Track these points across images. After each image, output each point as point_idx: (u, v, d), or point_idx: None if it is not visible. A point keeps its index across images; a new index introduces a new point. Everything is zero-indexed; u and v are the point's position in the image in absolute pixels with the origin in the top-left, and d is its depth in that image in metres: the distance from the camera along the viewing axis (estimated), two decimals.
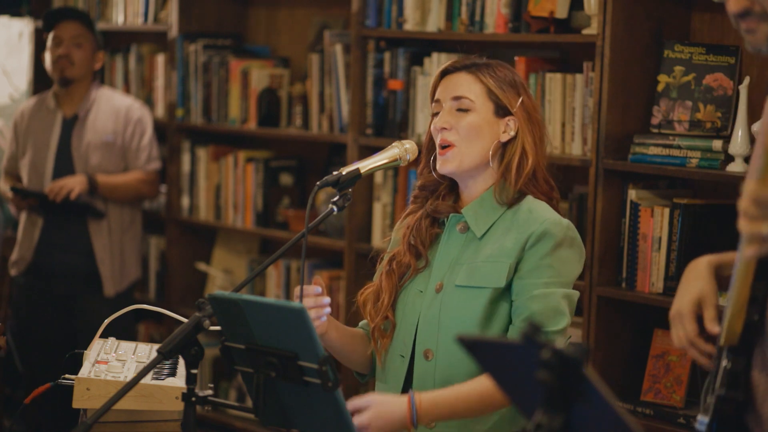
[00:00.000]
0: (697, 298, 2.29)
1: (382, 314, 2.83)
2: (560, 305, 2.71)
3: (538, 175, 2.81)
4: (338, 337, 2.85)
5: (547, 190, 2.83)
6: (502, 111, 2.80)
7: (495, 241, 2.77)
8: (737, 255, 2.22)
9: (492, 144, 2.79)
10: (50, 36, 5.07)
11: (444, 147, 2.79)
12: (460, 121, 2.78)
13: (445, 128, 2.79)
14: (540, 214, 2.76)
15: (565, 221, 2.77)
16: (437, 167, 2.82)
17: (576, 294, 2.76)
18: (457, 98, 2.79)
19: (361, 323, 2.97)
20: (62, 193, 4.91)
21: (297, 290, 2.73)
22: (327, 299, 2.75)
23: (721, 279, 2.33)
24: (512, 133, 2.80)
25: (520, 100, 2.80)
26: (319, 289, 2.72)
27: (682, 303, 2.31)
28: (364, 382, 3.01)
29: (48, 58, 5.09)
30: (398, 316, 2.83)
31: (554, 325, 2.69)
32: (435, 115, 2.84)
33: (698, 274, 2.32)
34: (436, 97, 2.84)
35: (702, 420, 2.25)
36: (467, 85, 2.80)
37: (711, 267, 2.32)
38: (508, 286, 2.74)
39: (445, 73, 2.85)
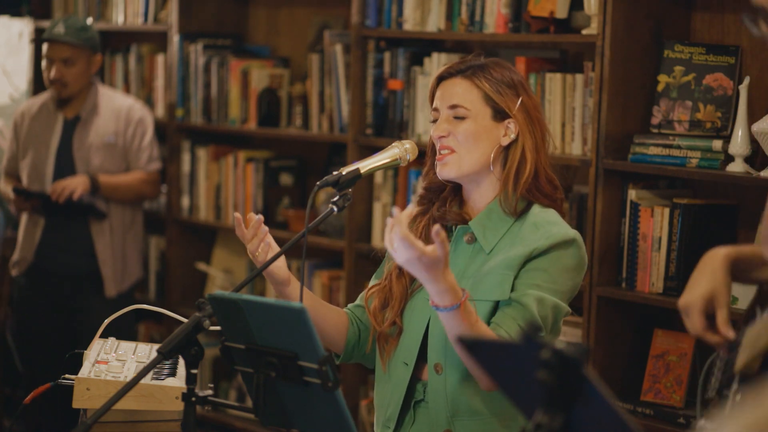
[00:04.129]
0: (709, 295, 2.24)
1: (391, 320, 2.81)
2: (546, 314, 2.68)
3: (540, 177, 2.78)
4: (307, 301, 2.80)
5: (550, 191, 2.79)
6: (500, 115, 2.77)
7: (501, 254, 2.74)
8: None
9: (493, 149, 2.76)
10: (43, 50, 5.05)
11: (442, 153, 2.78)
12: (457, 127, 2.76)
13: (443, 136, 2.77)
14: (547, 229, 2.72)
15: (572, 233, 2.74)
16: (437, 172, 2.80)
17: (566, 309, 2.73)
18: (453, 107, 2.77)
19: (349, 305, 2.95)
20: (65, 193, 4.90)
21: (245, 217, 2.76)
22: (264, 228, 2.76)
23: (737, 273, 2.28)
24: (513, 136, 2.76)
25: (519, 100, 2.77)
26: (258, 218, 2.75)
27: (692, 296, 2.25)
28: (338, 362, 2.98)
29: (43, 71, 5.08)
30: (405, 322, 2.81)
31: None
32: (433, 122, 2.82)
33: (714, 268, 2.26)
34: (434, 105, 2.81)
35: (706, 426, 2.22)
36: (463, 93, 2.77)
37: (728, 261, 2.27)
38: None
39: (441, 79, 2.82)
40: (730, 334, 2.22)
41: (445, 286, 2.51)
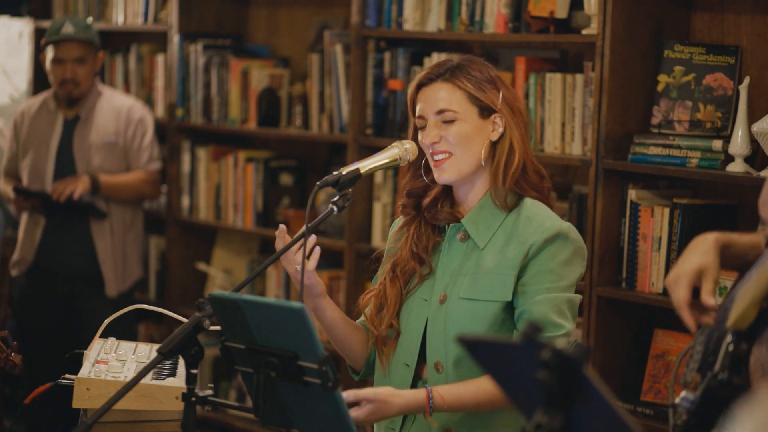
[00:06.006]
0: (699, 268, 2.28)
1: (387, 322, 2.81)
2: (562, 310, 2.71)
3: (528, 167, 2.80)
4: (334, 314, 2.83)
5: (537, 181, 2.81)
6: (486, 112, 2.78)
7: (496, 251, 2.75)
8: None
9: (484, 145, 2.78)
10: (50, 52, 5.02)
11: (439, 158, 2.78)
12: (447, 131, 2.77)
13: (435, 142, 2.77)
14: (540, 222, 2.74)
15: (566, 225, 2.76)
16: (435, 178, 2.81)
17: (578, 298, 2.76)
18: (440, 112, 2.77)
19: (360, 319, 2.96)
20: (65, 193, 4.90)
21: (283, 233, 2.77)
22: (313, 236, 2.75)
23: (726, 257, 2.32)
24: (501, 130, 2.78)
25: (501, 94, 2.78)
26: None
27: (682, 269, 2.30)
28: (357, 380, 2.99)
29: (50, 73, 5.05)
30: (402, 324, 2.82)
31: (556, 330, 2.68)
32: (420, 129, 2.81)
33: (705, 247, 2.31)
34: (419, 113, 2.80)
35: (688, 397, 2.23)
36: (447, 96, 2.77)
37: (718, 244, 2.31)
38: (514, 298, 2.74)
39: (420, 86, 2.81)
40: (712, 302, 2.25)
41: (410, 408, 2.64)
